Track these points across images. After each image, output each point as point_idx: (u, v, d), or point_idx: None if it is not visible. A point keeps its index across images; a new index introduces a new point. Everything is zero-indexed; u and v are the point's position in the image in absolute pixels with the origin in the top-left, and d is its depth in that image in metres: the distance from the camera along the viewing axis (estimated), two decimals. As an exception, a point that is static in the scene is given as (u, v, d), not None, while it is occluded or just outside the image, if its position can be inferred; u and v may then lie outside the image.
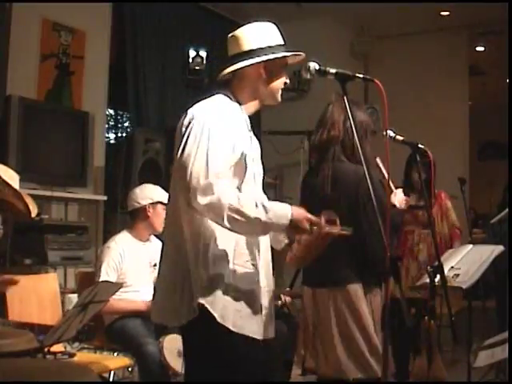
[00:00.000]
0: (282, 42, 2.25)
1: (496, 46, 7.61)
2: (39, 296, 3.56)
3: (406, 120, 6.07)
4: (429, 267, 2.88)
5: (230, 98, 2.21)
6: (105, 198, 5.37)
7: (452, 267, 3.32)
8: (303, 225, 2.04)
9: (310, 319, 2.75)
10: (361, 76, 2.22)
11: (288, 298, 4.29)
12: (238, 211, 1.96)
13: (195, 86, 5.95)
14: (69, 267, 4.75)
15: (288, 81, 2.29)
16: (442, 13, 6.92)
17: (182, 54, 6.25)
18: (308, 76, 2.22)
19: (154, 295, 2.32)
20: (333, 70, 2.20)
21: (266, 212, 1.98)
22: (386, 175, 2.52)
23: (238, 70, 2.20)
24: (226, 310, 2.07)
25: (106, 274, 3.54)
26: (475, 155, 10.04)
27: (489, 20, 6.80)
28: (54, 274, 3.96)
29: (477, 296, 3.96)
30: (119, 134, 6.81)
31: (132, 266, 3.67)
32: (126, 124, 6.76)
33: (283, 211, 2.02)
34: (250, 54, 2.19)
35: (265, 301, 2.20)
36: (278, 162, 6.63)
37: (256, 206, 1.98)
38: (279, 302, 4.20)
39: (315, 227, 2.05)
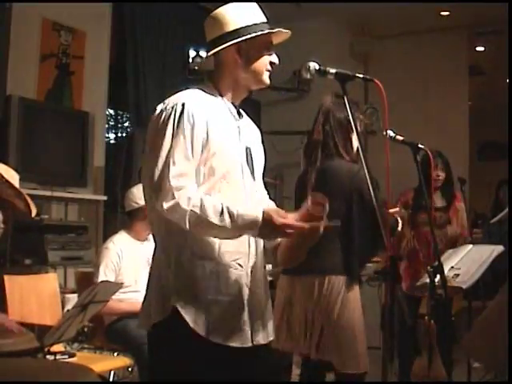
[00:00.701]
0: (260, 21, 2.07)
1: (496, 46, 7.61)
2: (39, 296, 3.57)
3: (406, 120, 6.08)
4: (429, 267, 2.88)
5: (206, 90, 2.07)
6: (105, 198, 5.37)
7: (452, 267, 3.32)
8: (277, 230, 1.85)
9: (285, 303, 2.87)
10: (361, 76, 2.22)
11: None
12: (199, 218, 1.82)
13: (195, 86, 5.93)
14: (69, 267, 4.74)
15: (276, 60, 2.09)
16: (442, 13, 6.92)
17: (182, 54, 6.24)
18: (308, 76, 2.22)
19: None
20: (333, 70, 2.20)
21: (232, 220, 1.83)
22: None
23: (216, 56, 2.07)
24: (200, 314, 1.91)
25: (104, 274, 3.55)
26: (475, 155, 10.03)
27: (489, 20, 6.80)
28: (54, 274, 3.96)
29: (477, 296, 3.95)
30: (119, 134, 6.82)
31: (130, 266, 3.67)
32: (126, 124, 6.76)
33: (252, 218, 1.84)
34: (222, 38, 2.03)
35: (253, 304, 2.02)
36: (278, 162, 6.62)
37: (221, 212, 1.83)
38: None
39: (291, 230, 1.86)
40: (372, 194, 2.12)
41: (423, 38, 7.30)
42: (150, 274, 2.07)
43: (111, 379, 3.61)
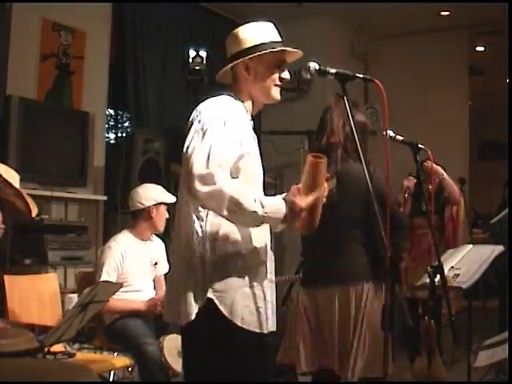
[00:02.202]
0: (271, 39, 2.23)
1: (496, 46, 7.61)
2: (39, 296, 3.57)
3: (406, 120, 6.09)
4: (429, 267, 2.88)
5: (235, 98, 2.23)
6: (105, 197, 5.37)
7: (452, 267, 3.33)
8: (296, 217, 2.07)
9: (311, 320, 2.76)
10: (361, 76, 2.22)
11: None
12: (237, 203, 1.97)
13: (195, 86, 5.93)
14: (69, 267, 4.74)
15: (286, 76, 2.25)
16: (442, 13, 6.92)
17: (182, 53, 6.24)
18: (308, 76, 2.22)
19: (165, 295, 2.33)
20: (333, 70, 2.20)
21: (263, 207, 2.00)
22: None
23: (232, 70, 2.25)
24: (234, 305, 2.09)
25: (107, 273, 3.54)
26: (475, 155, 10.04)
27: (489, 20, 6.80)
28: (54, 274, 3.96)
29: (477, 296, 3.95)
30: (119, 134, 6.81)
31: (133, 266, 3.67)
32: (126, 124, 6.76)
33: (278, 207, 2.04)
34: (235, 56, 2.22)
35: (270, 294, 2.22)
36: (278, 162, 6.62)
37: (254, 200, 2.00)
38: None
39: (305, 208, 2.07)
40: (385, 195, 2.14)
41: (423, 37, 7.30)
42: (172, 273, 2.22)
43: (111, 379, 3.61)
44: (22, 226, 4.20)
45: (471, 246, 3.61)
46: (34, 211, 2.51)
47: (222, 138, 2.05)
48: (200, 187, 1.96)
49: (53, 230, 4.49)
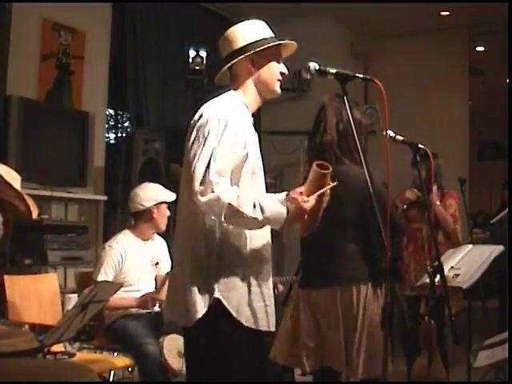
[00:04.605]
0: (268, 35, 2.26)
1: (496, 46, 7.61)
2: (39, 296, 3.57)
3: (406, 120, 6.08)
4: (429, 267, 2.88)
5: (236, 96, 2.24)
6: (105, 197, 5.37)
7: (452, 267, 3.33)
8: (298, 219, 2.09)
9: (310, 320, 2.76)
10: (361, 76, 2.23)
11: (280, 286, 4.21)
12: (236, 211, 2.01)
13: (195, 86, 5.93)
14: (69, 267, 4.74)
15: (286, 71, 2.28)
16: (442, 13, 6.92)
17: (182, 54, 6.24)
18: (308, 76, 2.23)
19: (168, 294, 2.33)
20: (333, 70, 2.20)
21: (263, 212, 2.03)
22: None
23: (231, 70, 2.26)
24: (240, 304, 2.11)
25: (104, 273, 3.55)
26: (475, 155, 10.04)
27: (489, 20, 6.80)
28: (54, 274, 3.96)
29: (477, 296, 3.95)
30: (119, 134, 6.81)
31: (133, 266, 3.67)
32: (126, 124, 6.76)
33: (279, 211, 2.07)
34: (236, 53, 2.22)
35: (271, 292, 2.25)
36: (278, 162, 6.63)
37: (254, 206, 2.03)
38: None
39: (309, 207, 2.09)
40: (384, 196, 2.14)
41: (423, 37, 7.29)
42: (174, 274, 2.24)
43: (111, 379, 3.61)
44: (22, 226, 4.19)
45: (471, 245, 3.61)
46: (35, 213, 2.51)
47: (224, 141, 2.07)
48: (199, 197, 2.01)
49: (53, 229, 4.49)
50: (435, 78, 7.30)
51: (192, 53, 5.94)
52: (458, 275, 3.25)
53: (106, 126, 6.04)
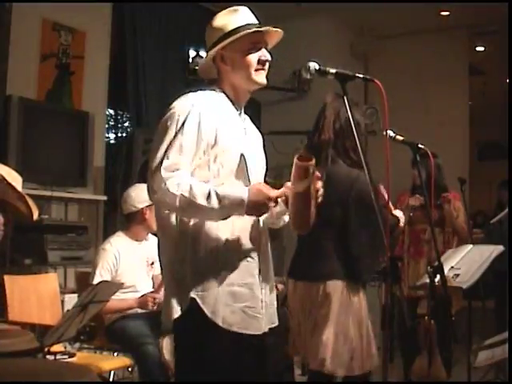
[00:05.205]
0: (244, 22, 2.15)
1: (496, 46, 7.61)
2: (39, 296, 3.57)
3: (406, 120, 6.08)
4: (429, 267, 2.88)
5: (216, 92, 2.19)
6: (105, 197, 5.37)
7: (452, 267, 3.33)
8: (262, 206, 2.02)
9: (294, 311, 2.83)
10: (361, 76, 2.22)
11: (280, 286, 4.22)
12: (189, 202, 1.95)
13: (195, 86, 5.93)
14: (69, 267, 4.74)
15: (267, 57, 2.16)
16: (442, 13, 6.91)
17: (182, 54, 6.24)
18: (308, 76, 2.22)
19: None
20: (333, 70, 2.20)
21: (220, 200, 1.96)
22: (386, 197, 2.54)
23: (215, 64, 2.21)
24: (217, 305, 2.04)
25: (100, 275, 3.56)
26: (475, 155, 10.03)
27: (489, 20, 6.79)
28: (54, 274, 3.96)
29: (477, 296, 3.95)
30: (119, 134, 6.81)
31: (128, 267, 3.68)
32: (126, 124, 6.76)
33: (238, 197, 1.99)
34: (212, 47, 2.17)
35: (263, 294, 2.15)
36: (278, 162, 6.61)
37: (209, 195, 1.96)
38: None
39: (275, 202, 2.06)
40: (374, 198, 2.13)
41: (423, 37, 7.29)
42: (162, 274, 2.20)
43: (111, 379, 3.61)
44: (22, 226, 4.19)
45: (471, 245, 3.61)
46: (36, 214, 2.51)
47: (184, 131, 2.02)
48: (152, 195, 2.00)
49: (53, 229, 4.49)
50: (435, 78, 7.29)
51: (192, 53, 5.95)
52: (457, 275, 3.25)
53: (106, 125, 6.03)
